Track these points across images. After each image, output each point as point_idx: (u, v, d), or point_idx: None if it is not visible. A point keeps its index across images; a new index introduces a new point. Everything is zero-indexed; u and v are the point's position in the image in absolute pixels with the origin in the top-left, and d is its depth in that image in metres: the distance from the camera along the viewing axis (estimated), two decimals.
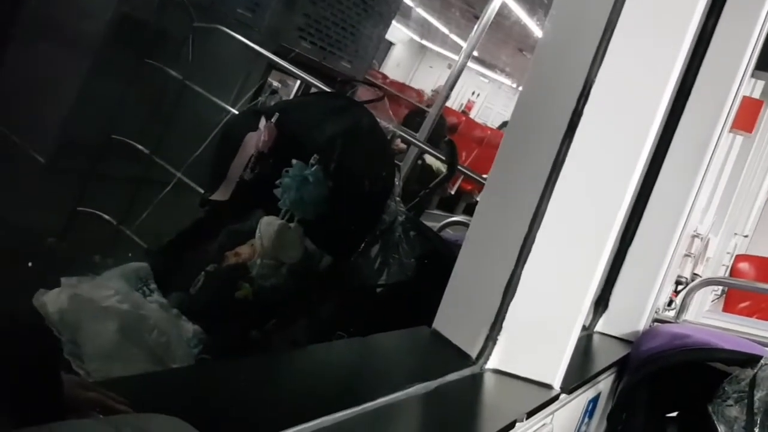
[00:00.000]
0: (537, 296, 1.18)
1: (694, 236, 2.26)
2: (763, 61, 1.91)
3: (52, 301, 1.40)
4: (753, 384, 1.33)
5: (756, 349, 1.50)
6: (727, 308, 5.47)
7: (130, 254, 2.40)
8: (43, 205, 2.65)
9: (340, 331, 1.60)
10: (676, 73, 1.13)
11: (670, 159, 1.80)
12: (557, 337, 1.20)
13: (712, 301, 4.94)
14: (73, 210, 2.69)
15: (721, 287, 5.04)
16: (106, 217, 2.76)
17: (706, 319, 4.35)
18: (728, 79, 1.78)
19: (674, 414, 1.74)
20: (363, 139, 1.59)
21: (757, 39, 1.81)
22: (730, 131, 1.91)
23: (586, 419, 1.52)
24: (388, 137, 1.69)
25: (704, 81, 1.77)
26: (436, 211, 6.86)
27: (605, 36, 1.12)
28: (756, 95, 2.85)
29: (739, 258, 5.68)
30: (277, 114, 1.60)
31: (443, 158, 2.73)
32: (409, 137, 3.47)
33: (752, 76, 1.94)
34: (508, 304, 1.18)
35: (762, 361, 1.36)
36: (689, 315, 3.82)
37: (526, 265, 1.17)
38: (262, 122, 1.60)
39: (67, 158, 2.78)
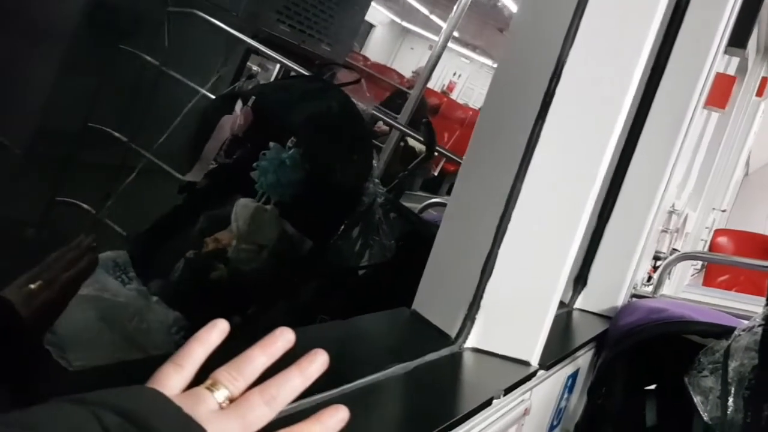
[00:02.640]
0: (514, 275, 1.19)
1: (670, 212, 2.28)
2: (736, 38, 1.93)
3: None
4: (727, 354, 1.35)
5: (731, 321, 1.53)
6: (706, 282, 5.55)
7: (109, 242, 2.39)
8: (20, 196, 2.63)
9: (322, 314, 1.61)
10: (647, 51, 1.15)
11: (645, 136, 1.82)
12: (534, 314, 1.21)
13: (692, 275, 5.00)
14: (51, 199, 2.67)
15: (700, 262, 5.11)
16: (85, 206, 2.75)
17: (686, 293, 4.41)
18: (701, 56, 1.79)
19: (653, 387, 1.77)
20: (340, 121, 1.59)
21: (729, 16, 1.83)
22: (704, 108, 1.93)
23: (566, 394, 1.54)
24: (366, 119, 1.69)
25: (678, 58, 1.79)
26: (420, 193, 6.87)
27: (576, 16, 1.13)
28: (731, 72, 2.88)
29: (718, 232, 5.75)
30: (253, 97, 1.60)
31: (422, 140, 2.74)
32: (387, 119, 3.47)
33: (725, 52, 1.96)
34: (486, 284, 1.19)
35: (735, 332, 1.39)
36: (669, 290, 3.88)
37: (503, 245, 1.18)
38: (239, 105, 1.60)
39: (44, 147, 2.75)
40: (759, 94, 4.06)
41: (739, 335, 1.37)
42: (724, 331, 1.44)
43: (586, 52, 1.13)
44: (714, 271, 5.50)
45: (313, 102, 1.60)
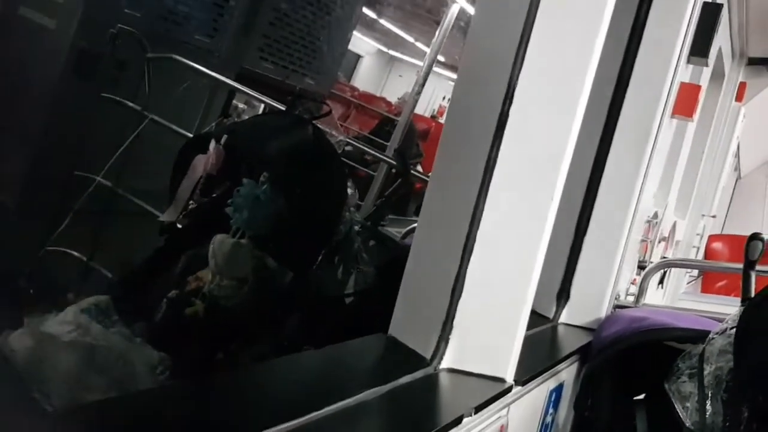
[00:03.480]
0: (483, 292, 1.21)
1: (649, 221, 2.31)
2: (697, 47, 1.97)
3: (15, 341, 1.41)
4: (702, 358, 1.37)
5: (709, 325, 1.54)
6: (705, 289, 5.55)
7: (97, 287, 2.41)
8: (9, 247, 2.66)
9: (306, 344, 1.63)
10: (593, 69, 1.18)
11: (614, 148, 1.85)
12: (506, 330, 1.23)
13: (689, 283, 5.00)
14: (40, 249, 2.70)
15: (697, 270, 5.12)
16: (75, 253, 2.78)
17: (683, 301, 4.42)
18: (663, 67, 1.83)
19: (641, 397, 1.78)
20: (311, 153, 1.62)
21: (687, 27, 1.87)
22: (671, 117, 1.96)
23: (551, 410, 1.55)
24: (339, 150, 1.72)
25: (641, 71, 1.83)
26: (414, 218, 6.88)
27: (522, 41, 1.16)
28: (705, 80, 2.92)
29: (712, 238, 5.77)
30: (225, 136, 1.63)
31: (394, 165, 2.78)
32: (364, 148, 3.52)
33: (688, 62, 2.00)
34: (457, 303, 1.21)
35: (710, 336, 1.40)
36: (665, 299, 3.89)
37: (470, 264, 1.20)
38: (212, 145, 1.63)
39: (31, 198, 2.79)
40: (738, 99, 4.10)
41: (713, 338, 1.38)
42: (700, 336, 1.46)
43: (535, 73, 1.16)
44: (711, 277, 5.51)
45: (284, 137, 1.63)
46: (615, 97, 1.85)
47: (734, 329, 1.36)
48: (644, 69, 1.83)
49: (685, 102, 1.92)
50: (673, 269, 3.74)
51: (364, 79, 17.38)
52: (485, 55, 1.23)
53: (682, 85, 1.95)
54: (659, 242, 3.04)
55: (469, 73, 1.26)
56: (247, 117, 3.79)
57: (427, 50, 6.62)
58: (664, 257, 3.28)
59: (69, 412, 1.04)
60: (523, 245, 1.21)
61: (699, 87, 1.94)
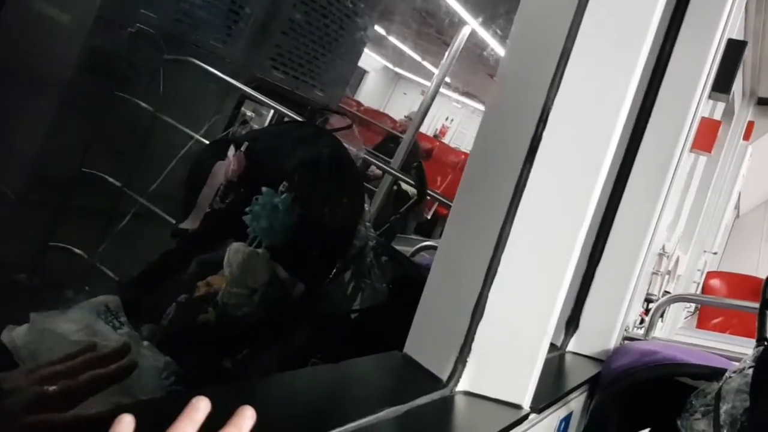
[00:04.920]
0: (504, 317, 1.20)
1: (660, 254, 2.30)
2: (720, 83, 1.97)
3: (20, 336, 1.39)
4: (718, 397, 1.35)
5: (722, 363, 1.53)
6: (700, 324, 5.54)
7: (102, 287, 2.39)
8: (14, 240, 2.64)
9: (314, 357, 1.61)
10: (630, 97, 1.17)
11: (633, 180, 1.84)
12: (525, 356, 1.22)
13: (685, 318, 5.00)
14: (45, 244, 2.67)
15: (693, 304, 5.12)
16: (77, 251, 2.75)
17: (679, 336, 4.40)
18: (686, 101, 1.83)
19: (647, 431, 1.76)
20: (331, 166, 1.61)
21: (713, 62, 1.87)
22: (690, 151, 1.96)
23: None
24: (357, 164, 1.71)
25: (663, 103, 1.82)
26: (413, 236, 6.89)
27: (561, 62, 1.16)
28: (717, 116, 2.93)
29: (710, 274, 5.77)
30: (246, 143, 1.62)
31: (412, 183, 2.76)
32: (379, 164, 3.51)
33: (709, 97, 2.00)
34: (477, 326, 1.20)
35: (727, 374, 1.39)
36: (662, 332, 3.88)
37: (492, 287, 1.19)
38: (231, 151, 1.62)
39: (38, 193, 2.77)
40: (746, 137, 4.12)
41: (730, 377, 1.37)
42: (714, 373, 1.44)
43: (570, 97, 1.16)
44: (708, 313, 5.51)
45: (305, 147, 1.62)
46: (636, 129, 1.84)
47: (751, 369, 1.35)
48: (667, 102, 1.82)
49: (705, 137, 1.92)
50: (673, 303, 3.73)
51: (368, 95, 17.45)
52: (521, 74, 1.22)
53: (703, 119, 1.95)
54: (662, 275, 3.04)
55: (504, 93, 1.25)
56: (254, 125, 3.79)
57: (435, 70, 6.64)
58: (667, 291, 3.27)
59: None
60: (550, 272, 1.19)
61: (719, 122, 1.95)
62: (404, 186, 6.71)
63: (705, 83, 1.88)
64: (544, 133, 1.16)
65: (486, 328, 1.19)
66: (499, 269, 1.19)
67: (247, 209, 1.52)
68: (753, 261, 8.26)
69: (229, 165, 1.57)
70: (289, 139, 1.66)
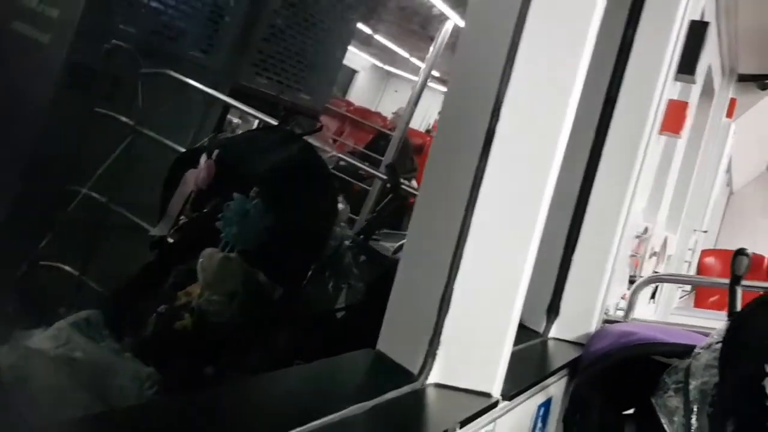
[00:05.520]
0: (470, 308, 1.22)
1: (639, 237, 2.32)
2: (685, 65, 1.99)
3: (3, 356, 1.42)
4: (688, 373, 1.38)
5: (696, 340, 1.55)
6: (697, 303, 5.56)
7: (88, 301, 2.41)
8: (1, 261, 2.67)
9: (297, 359, 1.63)
10: (579, 84, 1.20)
11: (603, 165, 1.86)
12: (493, 345, 1.24)
13: (681, 297, 5.01)
14: (33, 263, 2.70)
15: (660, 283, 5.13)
16: (67, 268, 2.78)
17: (675, 315, 4.43)
18: (650, 84, 1.86)
19: (631, 411, 1.78)
20: (301, 168, 1.64)
21: (675, 45, 1.90)
22: (659, 134, 1.98)
23: (539, 424, 1.56)
24: (330, 165, 1.74)
25: (628, 88, 1.85)
26: (404, 232, 6.89)
27: (510, 55, 1.18)
28: (695, 96, 2.95)
29: (705, 253, 5.79)
30: (216, 150, 1.65)
31: (385, 179, 2.79)
32: (347, 158, 3.54)
33: (675, 80, 2.02)
34: (444, 319, 1.22)
35: (696, 350, 1.41)
36: (657, 314, 3.89)
37: (457, 279, 1.21)
38: (203, 159, 1.65)
39: (21, 211, 2.79)
40: (729, 115, 4.13)
41: (699, 353, 1.39)
42: (686, 350, 1.46)
43: (521, 89, 1.18)
44: (704, 292, 5.52)
45: (275, 152, 1.65)
46: (603, 115, 1.87)
47: (719, 344, 1.37)
48: (632, 87, 1.85)
49: (673, 119, 1.94)
50: (665, 284, 3.75)
51: (359, 94, 17.45)
52: (473, 70, 1.25)
53: (670, 102, 1.97)
54: (650, 257, 3.05)
55: (457, 88, 1.28)
56: (241, 132, 3.81)
57: (422, 66, 6.67)
58: (656, 272, 3.29)
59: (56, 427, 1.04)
60: (510, 261, 1.22)
61: (686, 104, 1.96)
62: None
63: (669, 66, 1.91)
64: (498, 126, 1.19)
65: (453, 320, 1.22)
66: (462, 261, 1.21)
67: (218, 215, 1.54)
68: (750, 237, 8.27)
69: (199, 173, 1.59)
70: (259, 144, 1.68)
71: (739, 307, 1.56)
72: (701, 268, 5.72)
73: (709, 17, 2.59)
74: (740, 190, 8.57)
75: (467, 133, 1.22)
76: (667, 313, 4.15)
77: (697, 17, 2.09)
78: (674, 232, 3.85)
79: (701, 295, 5.47)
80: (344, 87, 16.37)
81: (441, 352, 1.22)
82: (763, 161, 7.45)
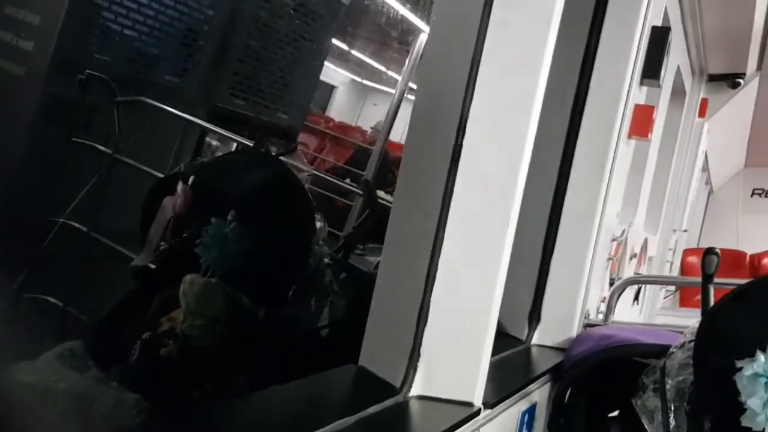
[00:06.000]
0: (447, 320, 1.25)
1: (615, 240, 2.36)
2: (649, 69, 2.04)
3: None
4: (663, 372, 1.40)
5: (673, 339, 1.58)
6: (683, 303, 5.61)
7: (73, 332, 2.42)
8: None
9: (282, 379, 1.64)
10: (539, 98, 1.23)
11: (575, 172, 1.90)
12: (471, 355, 1.27)
13: (666, 297, 5.07)
14: (17, 296, 2.70)
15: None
16: (52, 299, 2.78)
17: (660, 316, 4.48)
18: (616, 90, 1.90)
19: (615, 413, 1.80)
20: (277, 190, 1.65)
21: (638, 50, 1.94)
22: (628, 138, 2.02)
23: (524, 430, 1.58)
24: (305, 184, 1.75)
25: (595, 96, 1.89)
26: None
27: (472, 71, 1.21)
28: (665, 97, 3.00)
29: (688, 252, 5.85)
30: (192, 176, 1.66)
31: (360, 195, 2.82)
32: (329, 178, 3.57)
33: (641, 84, 2.07)
34: (423, 332, 1.24)
35: (670, 350, 1.44)
36: (642, 315, 3.93)
37: (433, 292, 1.24)
38: (179, 185, 1.66)
39: (3, 245, 2.79)
40: (701, 115, 4.20)
41: (674, 352, 1.42)
42: (663, 350, 1.49)
43: (485, 103, 1.21)
44: (689, 291, 5.57)
45: (250, 174, 1.66)
46: (572, 123, 1.90)
47: (692, 342, 1.40)
48: (598, 94, 1.89)
49: (640, 123, 1.99)
50: (649, 285, 3.80)
51: (339, 110, 17.48)
52: (437, 87, 1.28)
53: (637, 106, 2.01)
54: (631, 259, 3.09)
55: (423, 105, 1.31)
56: (218, 155, 3.82)
57: (399, 78, 6.72)
58: (638, 273, 3.33)
59: None
60: (484, 271, 1.24)
61: (653, 108, 2.01)
62: (383, 196, 6.77)
63: (634, 71, 1.95)
64: (464, 140, 1.21)
65: (432, 332, 1.24)
66: (438, 273, 1.24)
67: (197, 241, 1.56)
68: (731, 234, 8.36)
69: (176, 199, 1.60)
70: (233, 167, 1.70)
71: (711, 304, 1.60)
72: (685, 268, 5.78)
73: (674, 21, 2.64)
74: (720, 188, 8.67)
75: (435, 149, 1.25)
76: (653, 314, 4.20)
77: (659, 23, 2.14)
78: (654, 233, 3.90)
79: (686, 295, 5.52)
80: (323, 103, 16.40)
81: (422, 364, 1.25)
82: (741, 159, 7.55)
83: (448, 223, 1.23)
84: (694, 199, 5.26)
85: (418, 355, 1.25)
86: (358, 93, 19.59)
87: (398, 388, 1.24)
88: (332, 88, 17.90)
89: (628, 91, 1.90)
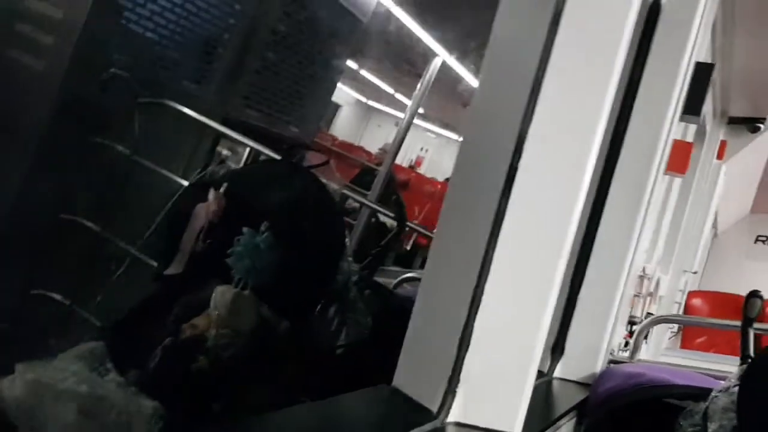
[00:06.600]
0: (491, 346, 1.20)
1: (641, 276, 2.32)
2: (690, 106, 2.01)
3: (7, 387, 1.37)
4: (706, 417, 1.37)
5: (708, 383, 1.55)
6: (684, 344, 5.57)
7: (84, 333, 2.36)
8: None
9: (302, 395, 1.60)
10: (603, 124, 1.20)
11: (609, 204, 1.87)
12: (514, 383, 1.22)
13: (669, 338, 5.03)
14: (24, 293, 2.64)
15: (677, 325, 5.15)
16: (58, 297, 2.73)
17: (665, 356, 4.43)
18: (657, 124, 1.87)
19: None
20: (311, 202, 1.62)
21: (682, 85, 1.92)
22: (665, 174, 2.00)
23: None
24: (336, 199, 1.72)
25: (635, 128, 1.86)
26: (393, 268, 6.88)
27: (533, 93, 1.18)
28: (689, 137, 2.98)
29: (692, 294, 5.82)
30: (225, 184, 1.63)
31: (392, 216, 2.78)
32: (357, 198, 3.52)
33: (681, 120, 2.04)
34: (464, 356, 1.20)
35: (713, 393, 1.40)
36: (648, 354, 3.89)
37: (478, 316, 1.20)
38: (211, 193, 1.62)
39: (14, 241, 2.74)
40: (719, 157, 4.19)
41: (717, 396, 1.38)
42: (701, 393, 1.45)
43: (544, 127, 1.18)
44: (691, 333, 5.54)
45: (285, 185, 1.63)
46: (610, 154, 1.88)
47: (737, 387, 1.36)
48: (639, 126, 1.86)
49: (678, 158, 1.96)
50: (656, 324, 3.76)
51: (342, 128, 17.55)
52: (494, 107, 1.24)
53: (676, 142, 1.99)
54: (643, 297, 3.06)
55: (478, 125, 1.27)
56: (231, 163, 3.79)
57: (408, 101, 6.72)
58: (650, 313, 3.30)
59: None
60: (533, 298, 1.20)
61: (691, 144, 1.99)
62: (382, 218, 6.75)
63: (675, 106, 1.93)
64: (520, 163, 1.18)
65: (473, 358, 1.20)
66: (484, 298, 1.19)
67: (229, 251, 1.52)
68: (734, 279, 8.33)
69: (209, 207, 1.57)
70: (267, 177, 1.66)
71: (751, 349, 1.56)
72: (688, 309, 5.75)
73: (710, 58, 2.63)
74: (724, 231, 8.66)
75: (488, 170, 1.21)
76: (658, 354, 4.16)
77: (702, 58, 2.13)
78: (666, 273, 3.87)
79: (688, 336, 5.48)
80: (328, 121, 16.46)
81: (461, 390, 1.20)
82: (748, 204, 7.55)
83: (498, 247, 1.19)
84: (706, 241, 5.25)
85: (458, 381, 1.20)
86: (362, 113, 19.69)
87: (435, 413, 1.20)
88: (337, 106, 17.98)
89: (670, 126, 1.88)
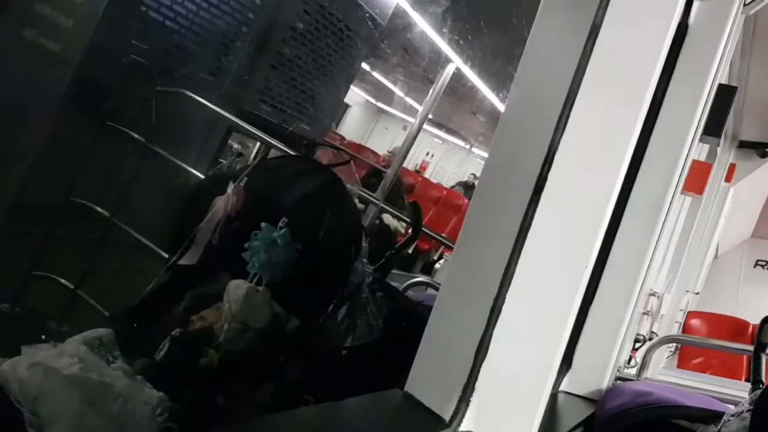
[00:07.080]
0: (508, 357, 1.19)
1: (650, 294, 2.31)
2: (711, 127, 2.01)
3: (11, 370, 1.36)
4: None
5: (717, 406, 1.54)
6: (681, 365, 5.56)
7: (87, 318, 2.35)
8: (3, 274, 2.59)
9: (307, 395, 1.59)
10: (634, 139, 1.19)
11: (626, 221, 1.86)
12: (529, 396, 1.21)
13: (667, 357, 5.01)
14: (28, 274, 2.63)
15: (674, 344, 5.14)
16: (63, 281, 2.71)
17: (663, 375, 4.42)
18: (678, 144, 1.86)
19: None
20: (330, 201, 1.61)
21: (704, 106, 1.91)
22: (681, 193, 1.99)
23: None
24: (355, 199, 1.71)
25: (656, 147, 1.85)
26: (395, 271, 6.86)
27: (567, 105, 1.17)
28: (701, 158, 2.97)
29: (691, 315, 5.81)
30: (245, 177, 1.62)
31: (407, 219, 2.77)
32: (375, 200, 3.52)
33: (700, 140, 2.03)
34: (480, 366, 1.19)
35: (725, 418, 1.39)
36: (648, 372, 3.88)
37: (497, 326, 1.19)
38: (230, 186, 1.61)
39: (22, 221, 2.73)
40: (728, 179, 4.19)
41: (729, 420, 1.37)
42: (711, 416, 1.44)
43: (577, 139, 1.17)
44: (688, 353, 5.53)
45: (305, 182, 1.62)
46: (629, 171, 1.86)
47: (749, 412, 1.35)
48: (660, 145, 1.85)
49: (696, 179, 1.96)
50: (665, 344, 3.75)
51: (350, 129, 17.53)
52: (527, 118, 1.23)
53: (694, 162, 1.98)
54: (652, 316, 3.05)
55: (509, 134, 1.26)
56: (246, 159, 3.78)
57: (418, 105, 6.66)
58: (653, 332, 3.28)
59: None
60: (554, 311, 1.19)
61: (710, 165, 1.98)
62: (386, 220, 6.74)
63: (697, 126, 1.92)
64: (550, 174, 1.17)
65: (490, 368, 1.19)
66: (504, 308, 1.18)
67: (246, 245, 1.51)
68: (731, 301, 8.33)
69: (228, 200, 1.56)
70: (288, 173, 1.65)
71: (762, 374, 1.55)
72: (686, 329, 5.74)
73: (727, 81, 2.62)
74: (724, 254, 8.65)
75: (517, 179, 1.20)
76: (656, 372, 4.14)
77: (724, 80, 2.12)
78: (668, 292, 3.86)
79: (684, 356, 5.47)
80: (337, 120, 16.45)
81: (475, 400, 1.19)
82: (749, 228, 7.55)
83: (522, 256, 1.18)
84: (709, 262, 5.25)
85: (473, 390, 1.19)
86: (371, 114, 19.67)
87: (447, 422, 1.19)
88: (347, 106, 17.97)
89: (690, 146, 1.87)
